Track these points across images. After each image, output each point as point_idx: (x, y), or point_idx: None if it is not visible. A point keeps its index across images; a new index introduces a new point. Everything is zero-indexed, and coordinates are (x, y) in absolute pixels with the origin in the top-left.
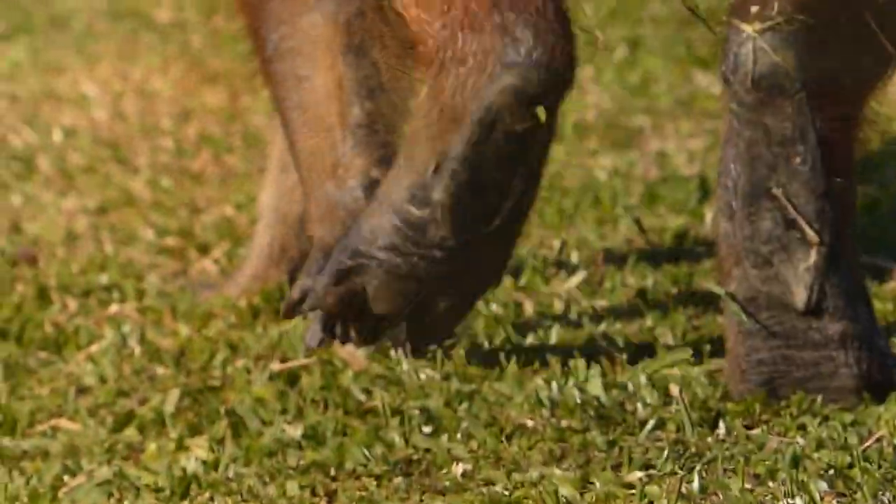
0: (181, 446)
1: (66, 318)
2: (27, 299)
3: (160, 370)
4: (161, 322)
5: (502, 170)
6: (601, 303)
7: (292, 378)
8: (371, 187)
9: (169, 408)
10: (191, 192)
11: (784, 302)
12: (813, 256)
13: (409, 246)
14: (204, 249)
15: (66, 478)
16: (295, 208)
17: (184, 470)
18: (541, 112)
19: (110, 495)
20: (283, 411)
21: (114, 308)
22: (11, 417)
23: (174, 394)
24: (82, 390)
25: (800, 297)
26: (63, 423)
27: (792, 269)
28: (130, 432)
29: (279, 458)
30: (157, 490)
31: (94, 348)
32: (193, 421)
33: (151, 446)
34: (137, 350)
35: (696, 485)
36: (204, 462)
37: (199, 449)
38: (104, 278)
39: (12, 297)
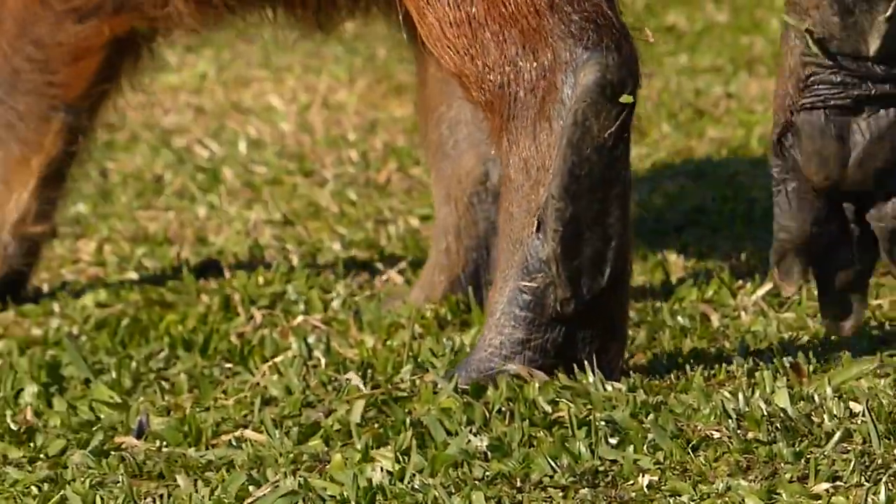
0: (367, 457)
1: (251, 328)
2: (212, 310)
3: (346, 381)
4: (347, 332)
5: (601, 191)
6: (788, 315)
7: (478, 389)
8: None
9: (355, 418)
10: (377, 204)
11: (857, 49)
12: (892, 9)
13: (533, 332)
14: (390, 261)
15: (251, 488)
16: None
17: (369, 481)
18: (626, 98)
19: None
20: (469, 422)
21: (299, 319)
22: (197, 428)
23: (360, 404)
24: (268, 401)
25: (873, 45)
26: (249, 433)
27: (870, 19)
28: (316, 443)
29: (464, 469)
30: (342, 501)
31: (279, 359)
32: (379, 432)
33: (337, 457)
34: (323, 361)
35: (882, 496)
36: (389, 473)
37: (385, 460)
38: (290, 289)
39: (198, 308)
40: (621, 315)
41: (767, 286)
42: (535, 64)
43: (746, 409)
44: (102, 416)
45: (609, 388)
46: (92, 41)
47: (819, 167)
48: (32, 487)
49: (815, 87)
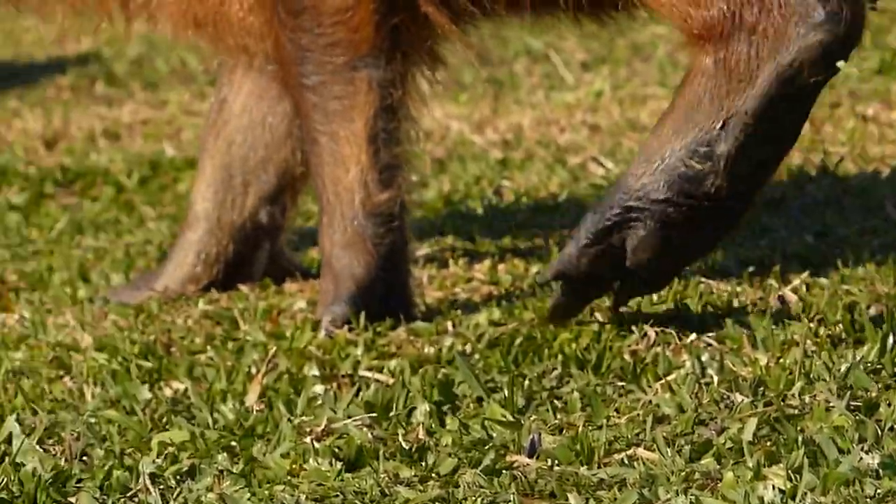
0: (758, 475)
1: (644, 346)
2: (606, 328)
3: (738, 398)
4: (740, 350)
5: (785, 123)
6: None
7: (870, 406)
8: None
9: (747, 436)
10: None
11: None
12: None
13: (682, 198)
14: (785, 279)
15: None
16: None
17: (760, 499)
18: (841, 64)
19: None
20: (861, 440)
21: (692, 337)
22: (589, 446)
23: (752, 423)
24: (660, 419)
25: None
26: (641, 452)
27: None
28: (708, 461)
29: (856, 487)
30: None
31: (672, 377)
32: (771, 450)
33: (729, 475)
34: (716, 378)
35: None
36: (781, 491)
37: (777, 478)
38: (682, 307)
39: (591, 326)
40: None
41: None
42: (769, 12)
43: None
44: (494, 435)
45: None
46: None
47: None
48: None
49: None
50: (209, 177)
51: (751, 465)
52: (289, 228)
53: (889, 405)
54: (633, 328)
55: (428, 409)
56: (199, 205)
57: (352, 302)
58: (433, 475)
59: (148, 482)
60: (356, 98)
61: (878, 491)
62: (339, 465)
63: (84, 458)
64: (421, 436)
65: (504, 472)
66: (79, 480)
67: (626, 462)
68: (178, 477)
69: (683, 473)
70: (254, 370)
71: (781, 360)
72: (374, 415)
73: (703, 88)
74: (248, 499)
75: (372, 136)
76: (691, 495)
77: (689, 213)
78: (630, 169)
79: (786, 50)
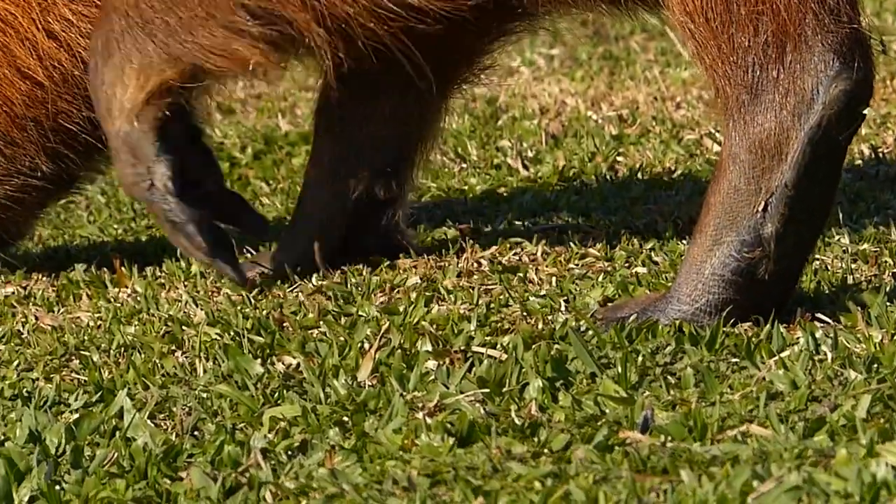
0: (872, 452)
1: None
2: None
3: (852, 375)
4: (854, 327)
5: (824, 186)
6: None
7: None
8: None
9: (860, 413)
10: (885, 197)
11: None
12: None
13: (738, 294)
14: None
15: (755, 483)
16: None
17: (873, 476)
18: (866, 111)
19: (799, 501)
20: None
21: (806, 314)
22: (702, 423)
23: (865, 399)
24: (773, 395)
25: None
26: (754, 428)
27: None
28: (821, 438)
29: None
30: (846, 496)
31: (785, 353)
32: (885, 427)
33: (842, 452)
34: (830, 355)
35: None
36: (894, 468)
37: (890, 455)
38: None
39: None
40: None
41: None
42: (788, 59)
43: None
44: (607, 411)
45: None
46: None
47: None
48: (535, 482)
49: None
50: (323, 153)
51: (864, 442)
52: (405, 203)
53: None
54: None
55: (541, 384)
56: (314, 179)
57: None
58: (545, 451)
59: (259, 457)
60: None
61: None
62: (451, 440)
63: (195, 432)
64: (533, 412)
65: (616, 448)
66: (190, 455)
67: (739, 438)
68: (289, 452)
69: (796, 450)
70: (366, 345)
71: None
72: (487, 390)
73: (738, 175)
74: (360, 474)
75: None
76: (804, 472)
77: (747, 306)
78: (678, 284)
79: (811, 111)
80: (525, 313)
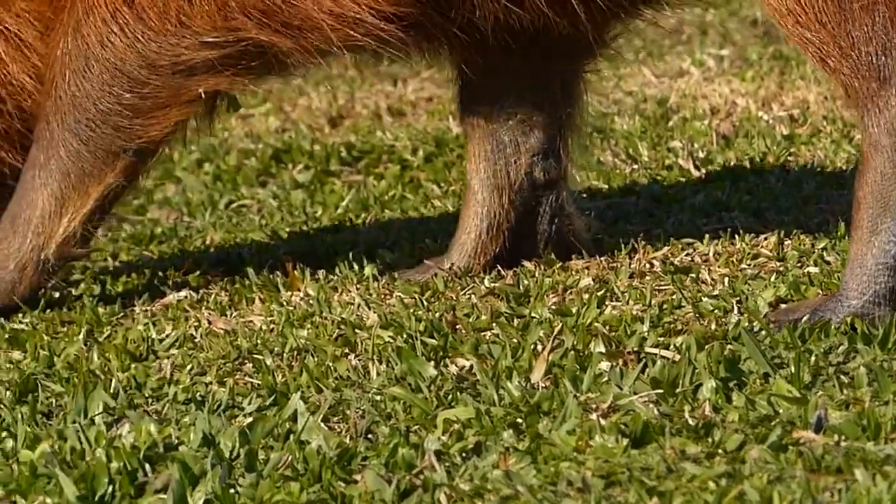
0: None
1: None
2: None
3: None
4: None
5: None
6: None
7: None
8: None
9: None
10: None
11: None
12: None
13: None
14: None
15: None
16: None
17: None
18: None
19: None
20: None
21: None
22: (875, 422)
23: None
24: None
25: None
26: None
27: None
28: None
29: None
30: None
31: None
32: None
33: None
34: None
35: None
36: None
37: None
38: None
39: None
40: None
41: None
42: None
43: None
44: (781, 411)
45: None
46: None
47: None
48: (710, 482)
49: None
50: (478, 148)
51: None
52: (567, 184)
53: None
54: None
55: (714, 385)
56: (475, 177)
57: None
58: (719, 451)
59: (433, 459)
60: None
61: None
62: (624, 441)
63: (369, 435)
64: (707, 412)
65: (790, 447)
66: (364, 458)
67: None
68: (463, 454)
69: None
70: (539, 347)
71: None
72: (661, 391)
73: (883, 161)
74: (534, 475)
75: None
76: None
77: None
78: (846, 282)
79: None
80: (698, 314)
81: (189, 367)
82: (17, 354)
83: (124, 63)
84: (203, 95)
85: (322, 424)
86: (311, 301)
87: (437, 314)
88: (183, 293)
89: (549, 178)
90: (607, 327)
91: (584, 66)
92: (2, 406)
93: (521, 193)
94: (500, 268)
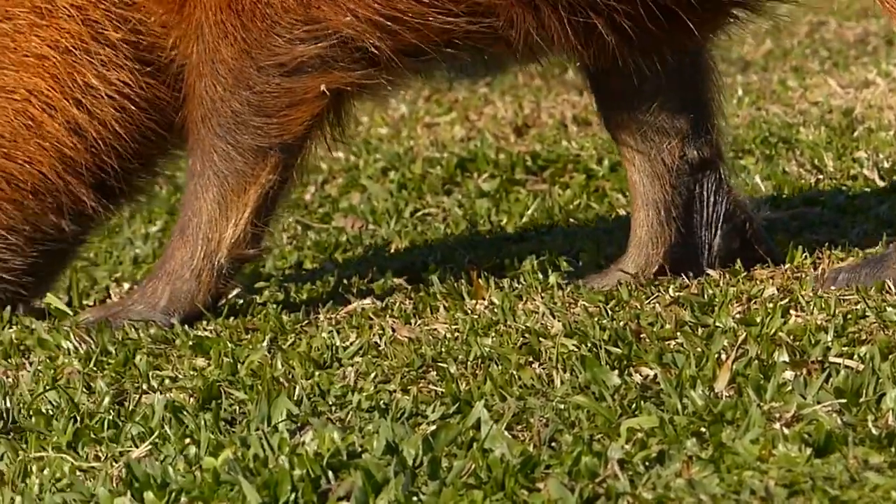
0: None
1: None
2: None
3: None
4: None
5: None
6: None
7: None
8: None
9: None
10: None
11: None
12: None
13: None
14: None
15: None
16: None
17: None
18: None
19: None
20: None
21: None
22: None
23: None
24: None
25: None
26: None
27: None
28: None
29: None
30: None
31: None
32: None
33: None
34: None
35: None
36: None
37: None
38: None
39: None
40: None
41: None
42: None
43: None
44: None
45: None
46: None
47: None
48: (893, 492)
49: None
50: (629, 144)
51: None
52: (724, 164)
53: None
54: None
55: None
56: (634, 173)
57: None
58: None
59: (617, 468)
60: None
61: None
62: (808, 450)
63: (552, 443)
64: (890, 422)
65: None
66: (547, 466)
67: None
68: (646, 463)
69: None
70: (723, 356)
71: None
72: (844, 401)
73: None
74: (717, 484)
75: None
76: None
77: None
78: None
79: None
80: (882, 324)
81: (373, 374)
82: (200, 361)
83: (239, 65)
84: (327, 93)
85: (505, 432)
86: (495, 309)
87: (622, 323)
88: (367, 301)
89: (704, 158)
90: (791, 337)
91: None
92: (185, 413)
93: (680, 177)
94: (684, 277)
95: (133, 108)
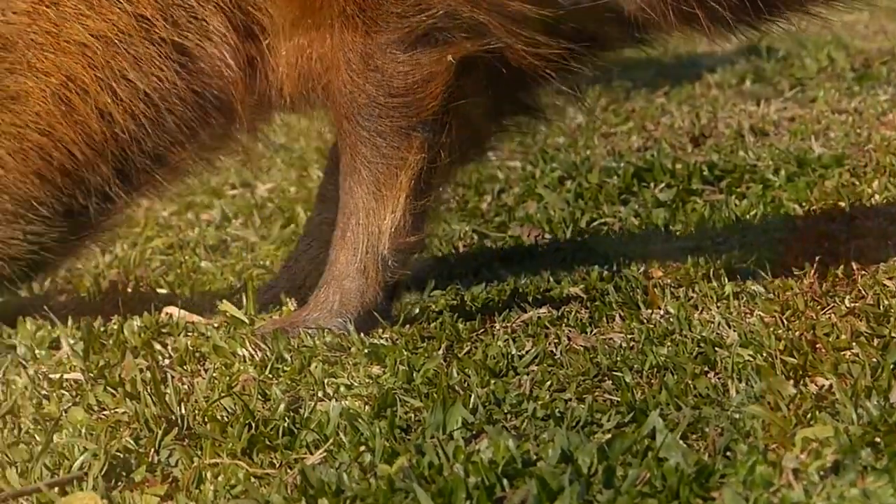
0: None
1: None
2: None
3: None
4: None
5: None
6: None
7: None
8: None
9: None
10: None
11: None
12: None
13: None
14: None
15: None
16: None
17: None
18: None
19: None
20: None
21: None
22: None
23: None
24: None
25: None
26: None
27: None
28: None
29: None
30: None
31: None
32: None
33: None
34: None
35: None
36: None
37: None
38: None
39: None
40: None
41: None
42: None
43: None
44: None
45: None
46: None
47: None
48: None
49: None
50: None
51: None
52: None
53: None
54: None
55: None
56: None
57: None
58: None
59: (791, 477)
60: None
61: None
62: None
63: (727, 453)
64: None
65: None
66: (722, 476)
67: None
68: (821, 472)
69: None
70: None
71: None
72: None
73: None
74: (892, 495)
75: None
76: None
77: None
78: None
79: None
80: None
81: (548, 383)
82: (376, 369)
83: (364, 49)
84: (453, 61)
85: (681, 441)
86: (671, 319)
87: (797, 333)
88: (543, 309)
89: None
90: None
91: None
92: (360, 420)
93: None
94: (860, 288)
95: (171, 106)
